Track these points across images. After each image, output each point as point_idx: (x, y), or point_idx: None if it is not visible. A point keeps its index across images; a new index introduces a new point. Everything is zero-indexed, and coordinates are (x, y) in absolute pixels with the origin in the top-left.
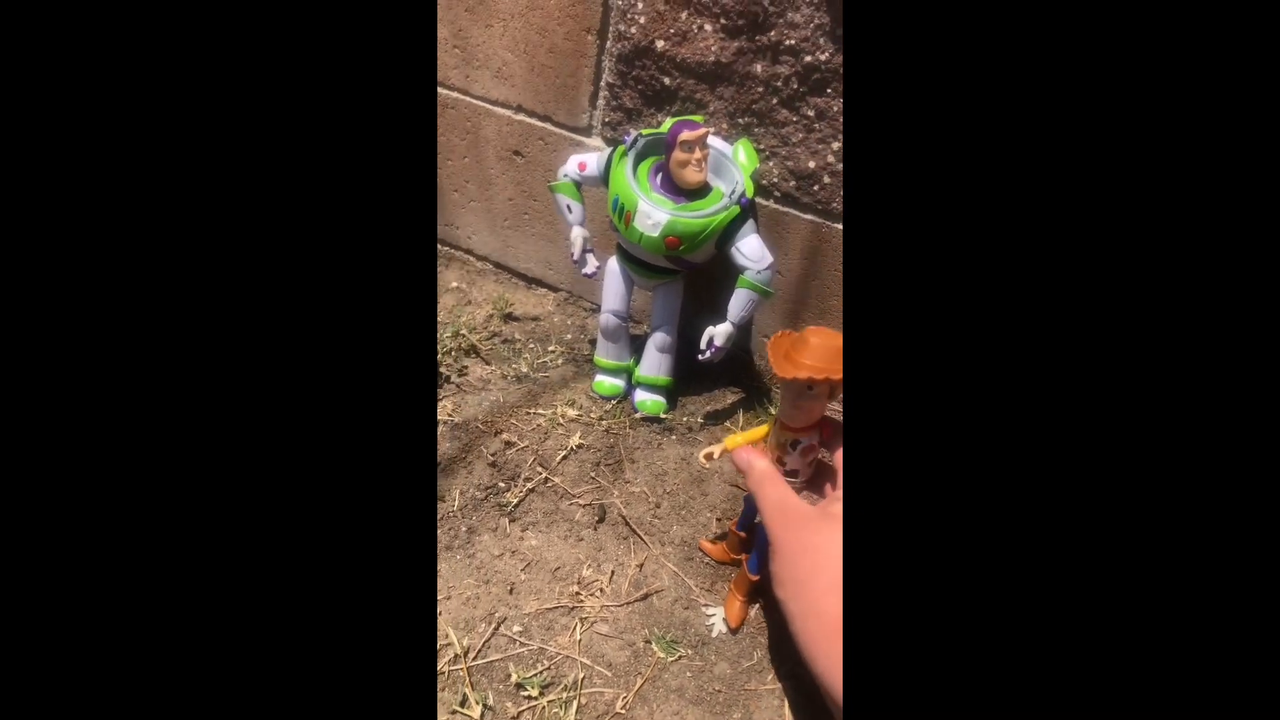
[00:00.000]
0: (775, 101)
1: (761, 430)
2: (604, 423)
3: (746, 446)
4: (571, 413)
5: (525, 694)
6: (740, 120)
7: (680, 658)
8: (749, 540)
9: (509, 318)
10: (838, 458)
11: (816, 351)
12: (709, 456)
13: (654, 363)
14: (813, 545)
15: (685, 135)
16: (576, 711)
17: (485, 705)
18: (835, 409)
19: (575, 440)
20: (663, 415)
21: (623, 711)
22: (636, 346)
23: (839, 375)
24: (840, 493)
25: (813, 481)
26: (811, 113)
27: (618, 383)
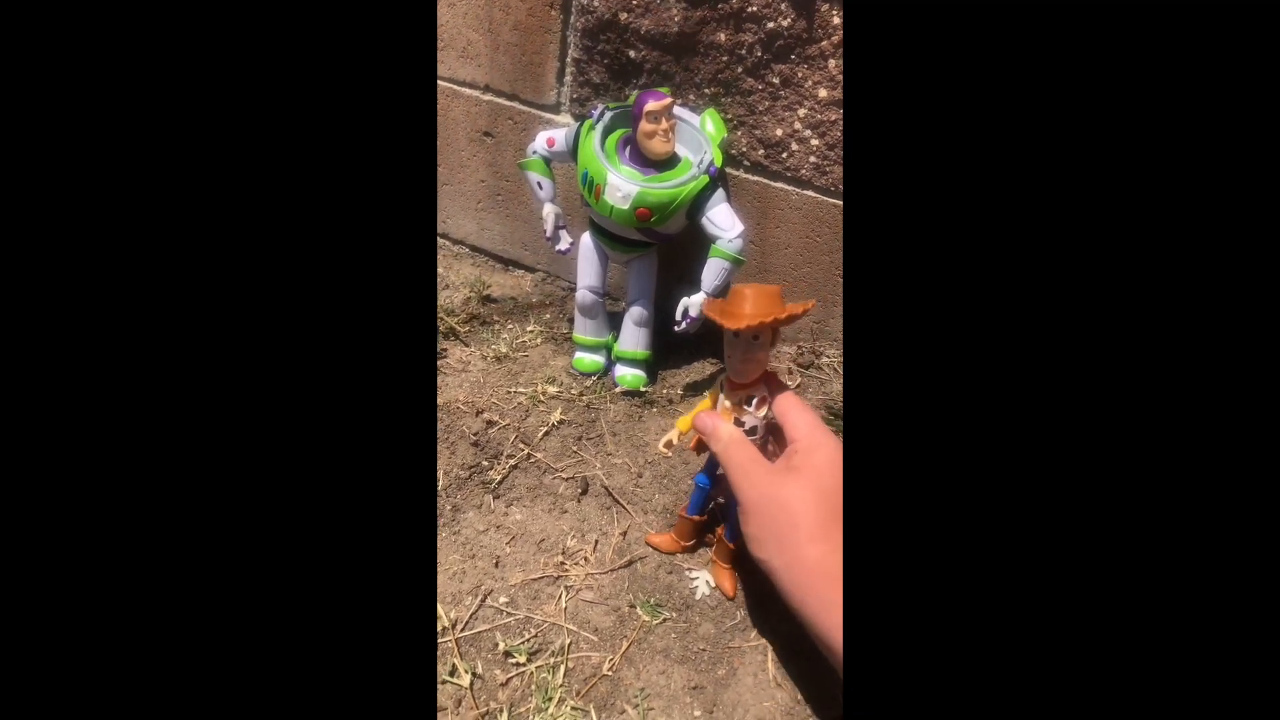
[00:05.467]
0: (740, 70)
1: (704, 404)
2: (584, 398)
3: (707, 412)
4: (552, 390)
5: (513, 661)
6: (707, 90)
7: (665, 620)
8: (701, 527)
9: (487, 299)
10: (779, 406)
11: (754, 301)
12: (669, 445)
13: (632, 337)
14: (785, 500)
15: (651, 105)
16: (564, 675)
17: (474, 674)
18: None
19: (556, 416)
20: (643, 389)
21: (610, 673)
22: (614, 322)
23: (782, 315)
24: (796, 444)
25: (766, 435)
26: (777, 80)
27: (597, 359)
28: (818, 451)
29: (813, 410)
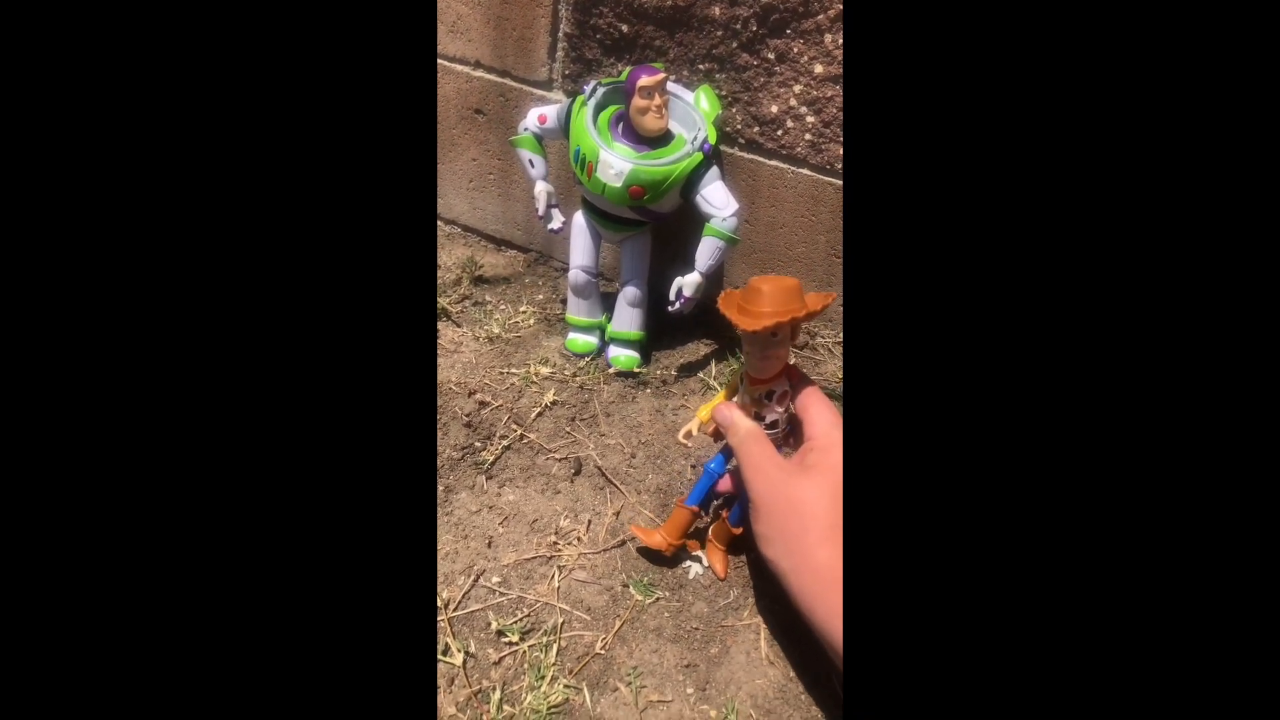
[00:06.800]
0: (735, 45)
1: (724, 394)
2: (578, 379)
3: (726, 404)
4: (545, 371)
5: (506, 640)
6: (701, 66)
7: (658, 599)
8: (694, 521)
9: (479, 280)
10: (802, 401)
11: (771, 298)
12: (688, 435)
13: (625, 318)
14: (797, 500)
15: (644, 81)
16: (557, 654)
17: (467, 653)
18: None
19: (549, 397)
20: (637, 370)
21: (602, 652)
22: (608, 303)
23: (800, 314)
24: (814, 442)
25: (787, 429)
26: (772, 55)
27: (590, 339)
28: (834, 450)
29: (835, 408)
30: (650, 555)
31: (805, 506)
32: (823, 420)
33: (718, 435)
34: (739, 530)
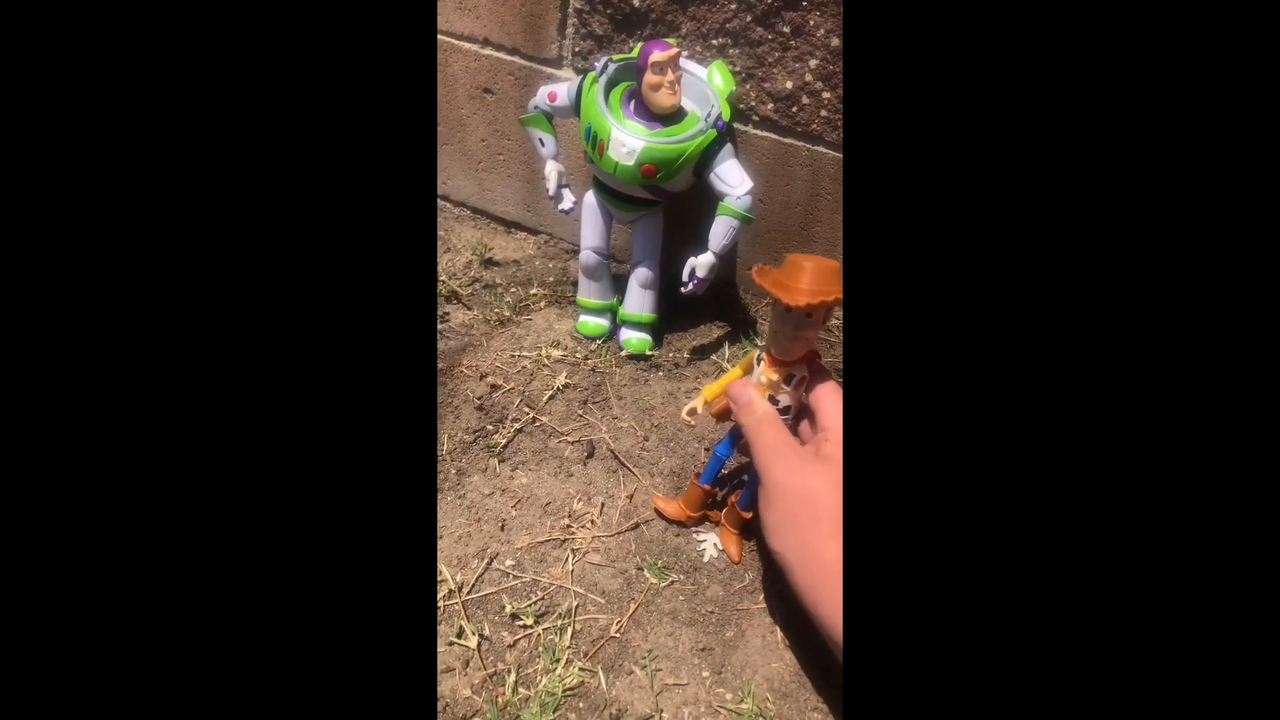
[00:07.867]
0: (749, 19)
1: (735, 373)
2: (590, 362)
3: (741, 382)
4: (556, 353)
5: (521, 623)
6: (714, 42)
7: (673, 582)
8: (710, 497)
9: (489, 263)
10: (817, 393)
11: (813, 275)
12: (691, 413)
13: (638, 300)
14: (810, 490)
15: (656, 56)
16: (571, 637)
17: (482, 635)
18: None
19: (561, 380)
20: (649, 352)
21: (617, 635)
22: (619, 284)
23: (840, 295)
24: (829, 433)
25: (796, 418)
26: (787, 29)
27: (602, 322)
28: None
29: None
30: (665, 538)
31: (818, 498)
32: (839, 411)
33: (721, 416)
34: (749, 515)
